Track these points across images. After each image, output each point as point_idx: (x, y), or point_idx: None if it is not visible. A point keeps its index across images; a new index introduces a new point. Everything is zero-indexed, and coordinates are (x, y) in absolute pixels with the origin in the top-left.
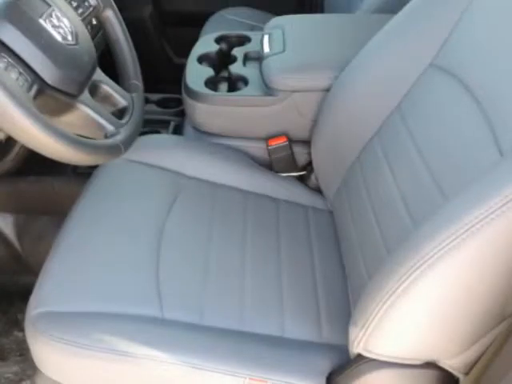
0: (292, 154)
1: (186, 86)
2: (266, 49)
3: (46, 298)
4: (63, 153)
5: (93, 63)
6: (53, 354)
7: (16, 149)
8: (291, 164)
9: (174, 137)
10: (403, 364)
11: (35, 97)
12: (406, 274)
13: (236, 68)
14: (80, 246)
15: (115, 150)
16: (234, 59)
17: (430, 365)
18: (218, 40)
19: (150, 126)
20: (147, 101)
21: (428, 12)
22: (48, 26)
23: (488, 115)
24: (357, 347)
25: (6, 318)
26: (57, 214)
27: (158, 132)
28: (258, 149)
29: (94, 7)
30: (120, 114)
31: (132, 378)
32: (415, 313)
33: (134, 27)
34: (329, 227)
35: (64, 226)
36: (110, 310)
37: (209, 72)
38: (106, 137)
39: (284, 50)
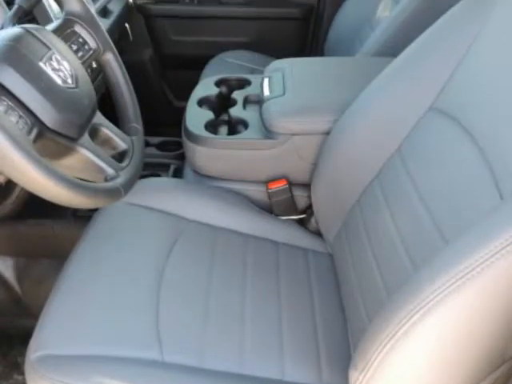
0: (292, 197)
1: (186, 129)
2: (266, 92)
3: (46, 341)
4: (63, 196)
5: (93, 106)
6: None
7: (16, 192)
8: (291, 207)
9: (174, 180)
10: None
11: (35, 140)
12: (406, 318)
13: (236, 111)
14: (80, 289)
15: (115, 193)
16: (234, 102)
17: None
18: (218, 83)
19: (150, 169)
20: (147, 144)
21: (428, 55)
22: (48, 69)
23: (488, 158)
24: None
25: (6, 362)
26: (57, 257)
27: (158, 175)
28: (258, 192)
29: (94, 50)
30: (120, 157)
31: None
32: (415, 356)
33: (134, 70)
34: (329, 270)
35: (64, 269)
36: (110, 353)
37: (209, 115)
38: (106, 180)
39: (284, 93)
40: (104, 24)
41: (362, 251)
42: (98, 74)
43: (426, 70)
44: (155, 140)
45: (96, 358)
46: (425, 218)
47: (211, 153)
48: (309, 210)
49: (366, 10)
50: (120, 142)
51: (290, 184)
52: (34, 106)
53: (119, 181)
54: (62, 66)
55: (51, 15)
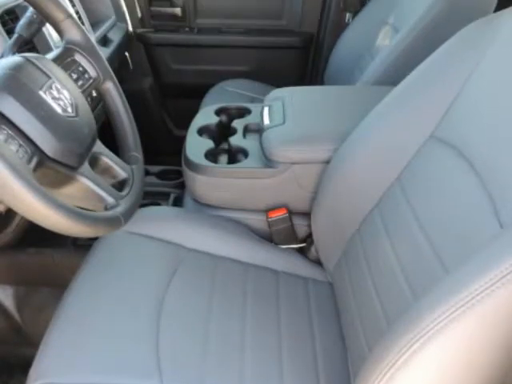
0: (292, 225)
1: (186, 158)
2: (266, 121)
3: (46, 369)
4: (63, 225)
5: (93, 135)
6: None
7: (16, 221)
8: (291, 236)
9: (174, 209)
10: None
11: (35, 169)
12: (406, 346)
13: (236, 140)
14: (80, 317)
15: (115, 222)
16: (234, 131)
17: None
18: (218, 112)
19: (150, 198)
20: (147, 173)
21: (429, 84)
22: (48, 98)
23: (488, 187)
24: None
25: None
26: (57, 285)
27: (158, 204)
28: (258, 221)
29: (94, 79)
30: (120, 185)
31: None
32: None
33: (134, 99)
34: (329, 299)
35: (64, 298)
36: (110, 382)
37: (209, 144)
38: (106, 209)
39: (284, 122)
40: (104, 53)
41: (361, 280)
42: (98, 103)
43: (426, 99)
44: (155, 169)
45: None
46: (425, 247)
47: (211, 182)
48: (309, 238)
49: (365, 39)
50: (120, 171)
51: (290, 213)
52: (34, 135)
53: (119, 210)
54: (62, 95)
55: (51, 44)
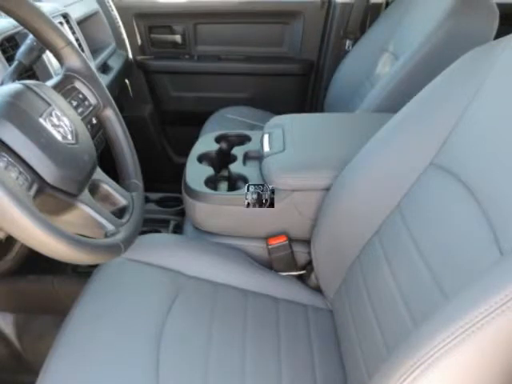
0: (292, 253)
1: (186, 185)
2: (266, 148)
3: None
4: (63, 252)
5: (93, 162)
6: None
7: (16, 248)
8: (291, 263)
9: (174, 236)
10: None
11: (35, 196)
12: (406, 373)
13: (236, 167)
14: (80, 345)
15: (115, 250)
16: (234, 158)
17: None
18: (218, 139)
19: (150, 225)
20: (147, 200)
21: (429, 111)
22: (48, 125)
23: (488, 214)
24: None
25: None
26: (57, 313)
27: (158, 231)
28: (258, 248)
29: (94, 106)
30: (120, 213)
31: None
32: None
33: (134, 126)
34: (329, 326)
35: (64, 325)
36: None
37: (209, 171)
38: (106, 236)
39: (284, 149)
40: (104, 80)
41: (361, 307)
42: (98, 130)
43: (426, 126)
44: (155, 196)
45: None
46: (424, 274)
47: (211, 209)
48: (309, 266)
49: (365, 66)
50: (120, 198)
51: (290, 240)
52: (33, 162)
53: (119, 237)
54: (61, 122)
55: (51, 71)
